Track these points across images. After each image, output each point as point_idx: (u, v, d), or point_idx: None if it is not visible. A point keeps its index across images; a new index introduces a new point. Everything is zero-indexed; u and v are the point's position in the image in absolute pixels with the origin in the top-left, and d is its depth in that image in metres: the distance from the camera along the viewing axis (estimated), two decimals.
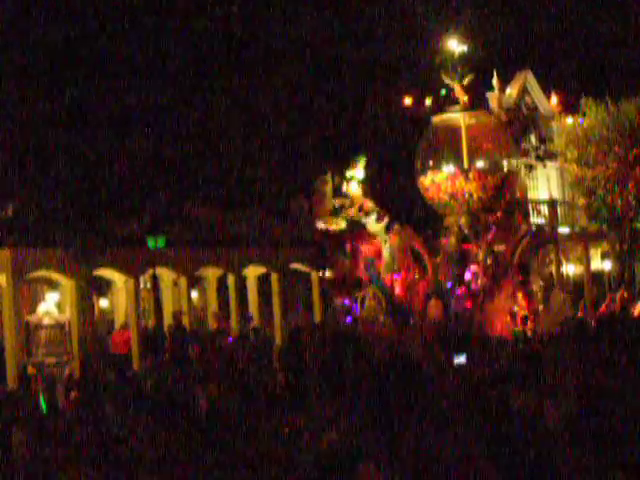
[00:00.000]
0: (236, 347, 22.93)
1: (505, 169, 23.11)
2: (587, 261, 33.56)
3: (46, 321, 23.18)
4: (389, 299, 22.07)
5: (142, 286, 26.70)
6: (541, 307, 23.84)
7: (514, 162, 26.33)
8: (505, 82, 33.42)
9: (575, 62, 42.31)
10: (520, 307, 21.55)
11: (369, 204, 24.20)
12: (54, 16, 33.63)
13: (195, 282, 28.72)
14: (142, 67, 34.58)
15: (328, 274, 23.99)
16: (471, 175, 22.03)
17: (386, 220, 23.73)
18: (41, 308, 23.40)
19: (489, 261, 22.09)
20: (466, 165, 22.22)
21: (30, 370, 21.91)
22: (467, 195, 22.19)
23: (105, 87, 33.33)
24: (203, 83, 35.96)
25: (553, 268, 32.57)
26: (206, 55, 36.98)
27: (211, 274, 28.26)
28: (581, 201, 33.76)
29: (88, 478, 7.28)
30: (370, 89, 35.80)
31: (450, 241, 22.39)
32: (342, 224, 23.74)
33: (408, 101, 25.72)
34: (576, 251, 34.12)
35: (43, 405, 15.16)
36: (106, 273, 25.79)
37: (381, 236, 23.35)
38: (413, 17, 35.84)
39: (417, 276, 22.95)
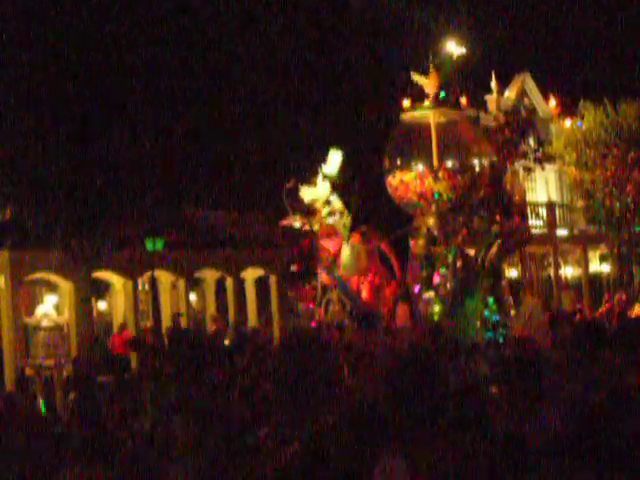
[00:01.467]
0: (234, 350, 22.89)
1: (477, 168, 22.17)
2: (585, 264, 33.59)
3: (44, 323, 23.17)
4: (354, 303, 21.13)
5: (140, 288, 26.69)
6: (513, 312, 22.96)
7: (517, 165, 26.32)
8: (504, 85, 33.47)
9: (573, 65, 42.35)
10: (491, 312, 20.62)
11: (337, 204, 23.14)
12: (56, 16, 33.65)
13: (194, 284, 28.71)
14: (141, 65, 34.59)
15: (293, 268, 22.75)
16: (440, 174, 21.04)
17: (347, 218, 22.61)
18: (39, 310, 23.39)
19: (459, 264, 21.08)
20: (436, 164, 21.29)
21: (28, 372, 21.90)
22: (436, 195, 21.28)
23: (104, 87, 33.33)
24: (201, 83, 35.98)
25: (551, 271, 32.63)
26: (206, 53, 37.05)
27: (209, 276, 28.25)
28: (580, 204, 33.81)
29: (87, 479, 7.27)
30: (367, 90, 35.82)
31: (418, 243, 21.51)
32: (299, 223, 22.60)
33: (406, 103, 25.73)
34: (575, 254, 34.17)
35: (42, 407, 15.16)
36: (104, 275, 25.79)
37: (344, 237, 22.37)
38: (412, 19, 35.86)
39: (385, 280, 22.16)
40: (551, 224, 31.92)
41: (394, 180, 21.61)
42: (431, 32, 30.62)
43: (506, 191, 24.99)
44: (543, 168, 30.66)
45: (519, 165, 29.03)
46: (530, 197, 32.78)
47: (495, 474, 5.62)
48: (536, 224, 31.72)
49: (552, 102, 34.42)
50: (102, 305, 28.31)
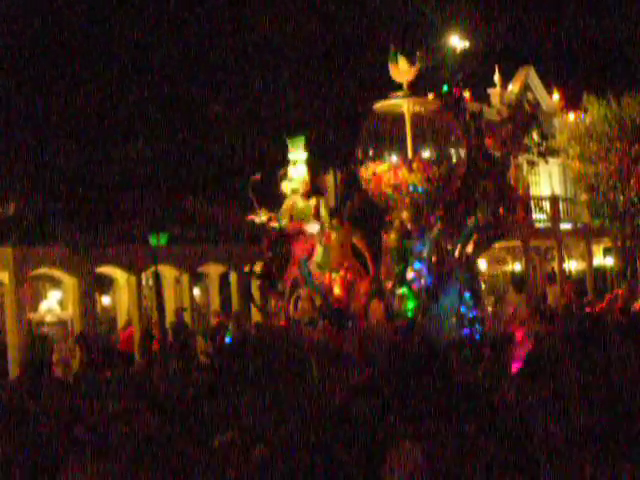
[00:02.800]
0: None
1: (453, 159, 21.42)
2: (589, 257, 33.58)
3: (48, 319, 23.21)
4: (325, 300, 20.20)
5: (144, 283, 26.72)
6: (490, 309, 22.34)
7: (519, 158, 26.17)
8: (507, 78, 33.45)
9: (577, 58, 42.29)
10: (468, 308, 19.36)
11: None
12: (57, 15, 33.69)
13: (197, 279, 28.72)
14: (142, 63, 34.60)
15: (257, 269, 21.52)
16: (415, 165, 19.83)
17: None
18: (43, 306, 23.44)
19: (434, 259, 19.91)
20: (411, 155, 20.17)
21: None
22: (411, 187, 19.97)
23: (106, 84, 33.34)
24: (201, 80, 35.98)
25: (555, 264, 32.62)
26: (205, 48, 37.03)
27: (213, 271, 28.27)
28: (583, 197, 33.78)
29: (91, 475, 7.28)
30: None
31: (390, 237, 20.36)
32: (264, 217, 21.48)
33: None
34: (578, 247, 34.14)
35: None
36: (108, 270, 25.81)
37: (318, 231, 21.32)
38: (415, 13, 35.82)
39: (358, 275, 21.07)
40: (555, 218, 31.89)
41: (367, 172, 20.29)
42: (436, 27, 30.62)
43: (510, 185, 24.93)
44: (547, 162, 30.57)
45: (523, 159, 29.02)
46: (534, 191, 32.73)
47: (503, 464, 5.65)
48: (540, 218, 31.69)
49: (556, 96, 34.38)
50: (106, 300, 28.32)
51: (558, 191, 33.80)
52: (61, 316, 23.52)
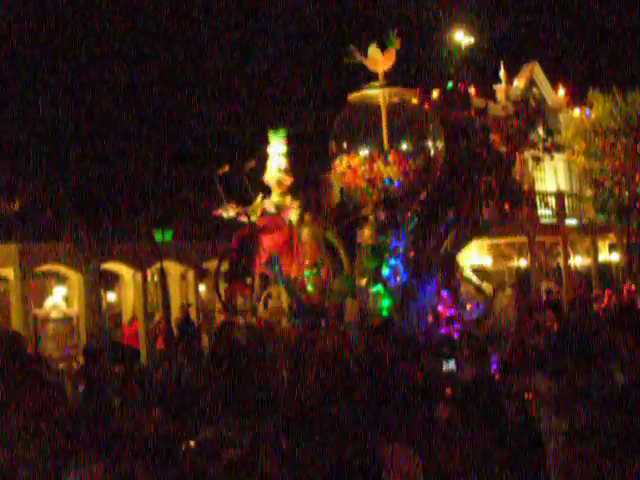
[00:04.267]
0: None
1: (431, 152, 19.84)
2: (595, 253, 33.54)
3: (54, 315, 23.23)
4: (298, 299, 19.26)
5: (149, 279, 26.73)
6: (469, 306, 21.46)
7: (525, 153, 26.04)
8: (512, 74, 33.39)
9: (582, 54, 42.22)
10: (446, 306, 18.70)
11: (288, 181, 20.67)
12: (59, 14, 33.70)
13: (203, 275, 28.69)
14: (146, 59, 34.63)
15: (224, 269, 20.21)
16: (390, 158, 19.04)
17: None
18: (49, 302, 23.45)
19: (411, 255, 19.12)
20: (386, 148, 19.38)
21: None
22: (386, 181, 19.14)
23: (111, 81, 33.37)
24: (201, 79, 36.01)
25: (561, 260, 32.58)
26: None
27: None
28: (589, 193, 33.73)
29: (95, 471, 7.29)
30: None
31: (364, 233, 19.63)
32: (232, 213, 19.51)
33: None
34: (584, 243, 34.10)
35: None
36: (114, 267, 25.83)
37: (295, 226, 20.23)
38: (420, 9, 35.79)
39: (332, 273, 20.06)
40: (560, 214, 31.86)
41: (341, 165, 19.59)
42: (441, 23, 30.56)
43: (515, 181, 24.85)
44: (552, 158, 30.54)
45: (528, 155, 28.96)
46: (539, 187, 32.68)
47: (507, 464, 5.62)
48: (545, 214, 31.65)
49: (561, 91, 34.32)
50: (111, 296, 28.34)
51: (563, 187, 33.74)
52: (66, 312, 23.54)
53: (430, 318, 18.66)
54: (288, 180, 20.20)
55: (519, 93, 32.29)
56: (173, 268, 26.59)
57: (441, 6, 33.94)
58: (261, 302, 19.90)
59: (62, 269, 23.78)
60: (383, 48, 19.71)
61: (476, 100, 26.37)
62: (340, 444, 6.01)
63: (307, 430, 6.47)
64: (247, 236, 19.46)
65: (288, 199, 20.15)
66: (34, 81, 31.64)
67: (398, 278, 18.95)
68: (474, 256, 30.18)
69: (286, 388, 10.83)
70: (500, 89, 32.06)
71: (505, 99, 30.50)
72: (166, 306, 23.71)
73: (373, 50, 19.65)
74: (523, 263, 31.66)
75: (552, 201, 31.94)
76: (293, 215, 20.05)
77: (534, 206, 30.63)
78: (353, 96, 20.00)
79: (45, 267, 23.49)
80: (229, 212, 19.63)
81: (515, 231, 29.63)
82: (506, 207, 27.16)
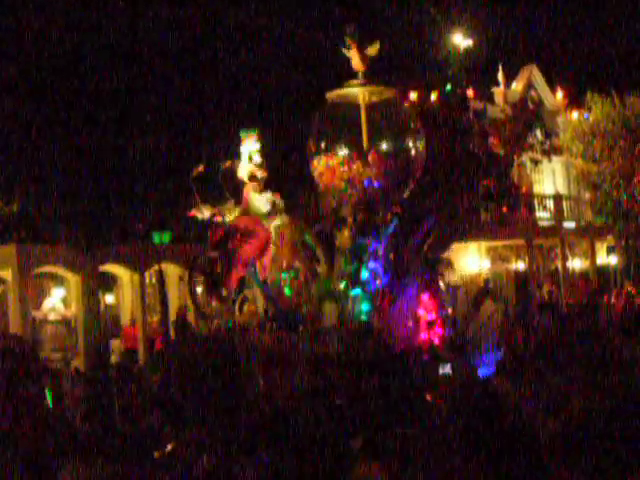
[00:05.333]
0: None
1: (412, 152, 19.22)
2: (592, 256, 33.56)
3: (52, 316, 23.21)
4: (274, 303, 18.63)
5: (147, 281, 26.72)
6: (450, 310, 20.37)
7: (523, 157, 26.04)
8: (510, 77, 33.42)
9: (580, 56, 42.26)
10: (426, 310, 17.97)
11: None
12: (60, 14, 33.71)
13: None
14: (145, 61, 34.65)
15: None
16: (370, 158, 18.53)
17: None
18: (47, 304, 23.43)
19: (391, 257, 18.41)
20: (366, 148, 18.84)
21: None
22: (366, 182, 18.57)
23: (110, 83, 33.39)
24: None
25: (559, 263, 32.59)
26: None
27: None
28: (587, 196, 33.78)
29: (93, 473, 7.29)
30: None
31: (343, 235, 18.90)
32: (207, 213, 18.89)
33: (413, 96, 25.66)
34: (582, 246, 34.12)
35: (49, 400, 15.18)
36: (112, 268, 25.83)
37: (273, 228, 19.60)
38: (418, 11, 35.83)
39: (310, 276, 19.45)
40: (558, 216, 31.88)
41: (319, 165, 19.03)
42: (439, 25, 30.57)
43: (513, 183, 24.84)
44: (550, 160, 30.66)
45: (526, 157, 29.01)
46: (537, 189, 32.72)
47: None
48: (543, 216, 31.67)
49: (559, 94, 34.35)
50: (109, 298, 28.33)
51: (561, 189, 33.76)
52: (64, 314, 23.52)
53: (410, 322, 18.09)
54: (261, 173, 19.56)
55: (517, 96, 32.34)
56: (171, 270, 26.58)
57: (439, 9, 33.96)
58: (236, 305, 19.23)
59: (60, 271, 23.78)
60: (364, 47, 19.29)
61: (474, 103, 26.40)
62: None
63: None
64: (223, 241, 18.90)
65: (269, 196, 19.57)
66: (31, 80, 31.67)
67: (377, 281, 18.38)
68: (473, 259, 30.20)
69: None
70: (498, 92, 32.10)
71: (503, 102, 30.56)
72: (164, 308, 23.69)
73: (356, 49, 19.27)
74: (521, 266, 31.68)
75: (550, 204, 31.97)
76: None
77: (532, 209, 30.67)
78: (332, 94, 19.45)
79: (43, 269, 23.49)
80: (204, 213, 19.11)
81: (513, 234, 29.64)
82: (504, 210, 27.18)
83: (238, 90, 35.02)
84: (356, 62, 19.34)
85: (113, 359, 24.18)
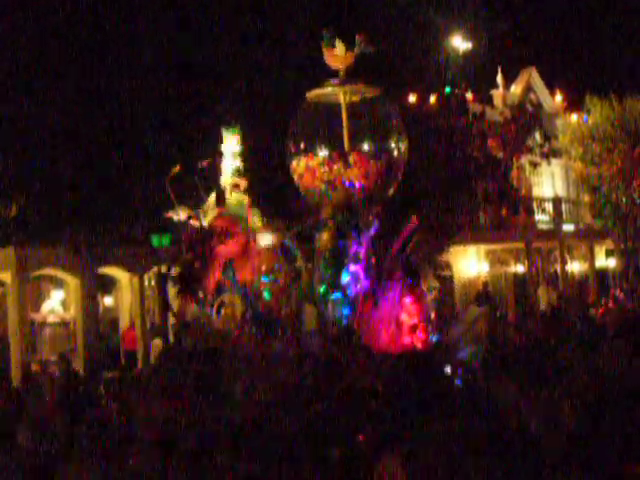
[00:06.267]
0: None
1: (395, 153, 18.70)
2: (591, 259, 33.59)
3: (51, 319, 23.24)
4: (253, 307, 18.14)
5: (147, 284, 26.72)
6: (432, 314, 20.25)
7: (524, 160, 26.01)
8: (510, 79, 33.47)
9: (580, 59, 42.27)
10: (409, 315, 17.43)
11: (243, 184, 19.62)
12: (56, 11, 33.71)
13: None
14: (144, 61, 34.62)
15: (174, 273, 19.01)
16: (351, 159, 18.01)
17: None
18: (46, 306, 23.45)
19: (373, 261, 17.81)
20: (347, 148, 18.35)
21: (34, 367, 21.96)
22: (346, 183, 18.08)
23: (108, 84, 33.39)
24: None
25: (558, 266, 32.63)
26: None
27: None
28: (586, 198, 33.83)
29: (92, 475, 7.30)
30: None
31: (323, 237, 18.36)
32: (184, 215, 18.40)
33: (412, 98, 25.68)
34: (581, 249, 34.16)
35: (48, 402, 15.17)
36: (111, 271, 25.83)
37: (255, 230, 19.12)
38: (417, 14, 35.83)
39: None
40: (557, 219, 31.91)
41: (299, 166, 18.48)
42: (438, 28, 30.59)
43: (512, 186, 24.84)
44: (549, 163, 30.64)
45: (525, 160, 29.00)
46: (536, 192, 32.76)
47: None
48: (542, 219, 31.70)
49: (558, 97, 34.39)
50: (108, 301, 28.33)
51: (560, 192, 33.80)
52: (64, 316, 23.54)
53: (393, 327, 17.71)
54: (243, 183, 19.37)
55: (516, 99, 32.38)
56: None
57: (439, 11, 33.98)
58: (214, 310, 18.64)
59: (59, 273, 23.79)
60: (347, 45, 18.83)
61: (473, 105, 26.41)
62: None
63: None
64: (198, 242, 18.42)
65: (247, 198, 19.32)
66: (31, 85, 31.66)
67: (358, 285, 17.80)
68: (472, 262, 30.24)
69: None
70: (497, 94, 32.15)
71: (502, 104, 30.59)
72: (164, 311, 23.68)
73: (338, 45, 18.57)
74: (520, 269, 31.71)
75: (549, 207, 32.00)
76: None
77: (531, 212, 30.69)
78: (312, 93, 18.76)
79: (42, 271, 23.49)
80: (180, 215, 18.69)
81: (512, 237, 29.69)
82: (503, 213, 27.19)
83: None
84: (336, 60, 18.62)
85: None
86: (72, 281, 23.82)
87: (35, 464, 8.17)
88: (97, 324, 24.88)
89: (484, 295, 27.79)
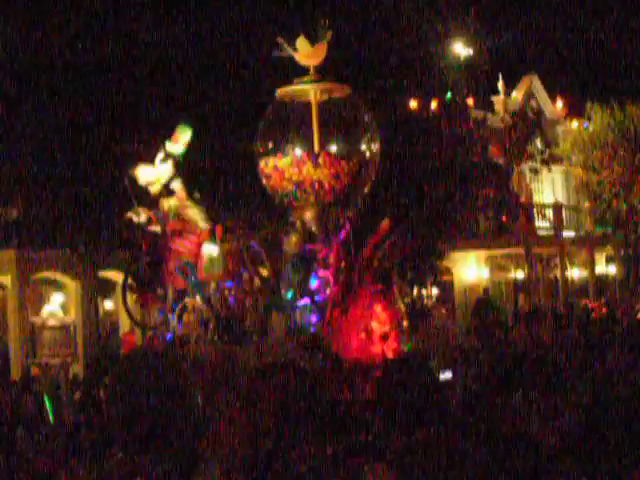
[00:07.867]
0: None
1: (367, 154, 18.01)
2: (592, 265, 33.58)
3: (51, 322, 23.17)
4: (217, 313, 17.33)
5: None
6: (405, 323, 19.45)
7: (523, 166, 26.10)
8: (511, 86, 33.49)
9: (580, 66, 42.30)
10: (380, 323, 16.55)
11: (180, 191, 17.78)
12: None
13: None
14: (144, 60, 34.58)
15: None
16: (321, 160, 17.34)
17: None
18: (46, 309, 23.41)
19: (343, 265, 16.91)
20: (317, 149, 17.62)
21: (34, 371, 21.95)
22: (316, 184, 17.42)
23: (109, 85, 33.40)
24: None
25: (558, 273, 32.62)
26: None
27: None
28: (586, 205, 33.84)
29: (91, 478, 7.29)
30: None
31: (291, 240, 17.62)
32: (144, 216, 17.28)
33: (413, 104, 25.72)
34: (581, 255, 34.16)
35: (48, 406, 15.16)
36: (111, 274, 25.82)
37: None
38: (419, 20, 35.84)
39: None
40: (557, 225, 31.91)
41: (267, 167, 17.72)
42: (440, 34, 30.60)
43: (513, 192, 24.89)
44: (550, 169, 30.70)
45: (526, 166, 29.06)
46: (537, 198, 32.78)
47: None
48: (542, 225, 31.71)
49: (559, 103, 34.41)
50: (108, 305, 28.31)
51: (561, 199, 33.82)
52: (63, 320, 23.51)
53: (362, 335, 17.13)
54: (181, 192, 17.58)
55: (517, 105, 32.40)
56: None
57: (440, 18, 33.99)
58: (175, 315, 17.57)
59: (59, 276, 23.79)
60: (314, 41, 18.31)
61: (474, 111, 26.46)
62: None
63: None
64: (156, 242, 17.61)
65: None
66: (30, 87, 31.65)
67: (328, 291, 17.06)
68: (472, 268, 30.23)
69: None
70: (498, 101, 32.16)
71: (503, 111, 30.60)
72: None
73: (302, 43, 17.88)
74: (520, 275, 31.70)
75: (550, 213, 32.00)
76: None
77: (531, 218, 30.71)
78: (281, 91, 17.98)
79: (42, 274, 23.50)
80: (140, 216, 17.60)
81: (512, 243, 29.68)
82: (503, 219, 27.23)
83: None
84: (305, 57, 17.83)
85: None
86: (72, 284, 23.82)
87: (34, 468, 8.17)
88: (97, 328, 24.88)
89: (485, 302, 27.68)
